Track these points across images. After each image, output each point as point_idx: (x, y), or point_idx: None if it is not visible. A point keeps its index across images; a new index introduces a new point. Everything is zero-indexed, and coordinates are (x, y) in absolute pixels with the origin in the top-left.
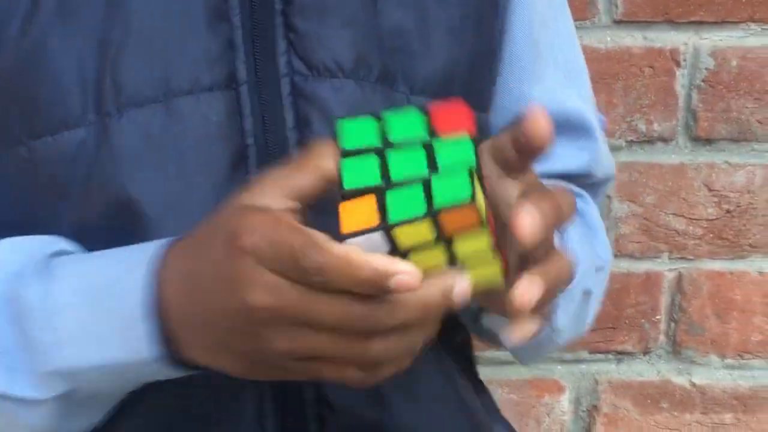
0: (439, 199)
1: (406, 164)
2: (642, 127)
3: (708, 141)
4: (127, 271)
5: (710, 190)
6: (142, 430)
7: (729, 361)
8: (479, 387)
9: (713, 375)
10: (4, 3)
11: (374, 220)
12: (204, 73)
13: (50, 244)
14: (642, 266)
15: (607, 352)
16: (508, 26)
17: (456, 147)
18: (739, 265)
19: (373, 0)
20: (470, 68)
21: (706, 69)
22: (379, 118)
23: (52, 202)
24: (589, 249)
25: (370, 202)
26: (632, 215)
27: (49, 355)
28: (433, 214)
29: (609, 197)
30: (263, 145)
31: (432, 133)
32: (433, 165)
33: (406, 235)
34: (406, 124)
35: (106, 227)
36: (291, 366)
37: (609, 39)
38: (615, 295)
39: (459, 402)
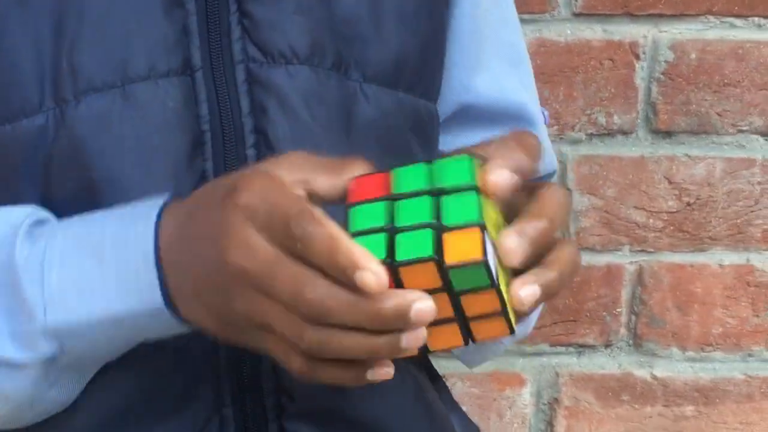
0: (458, 286)
1: (412, 214)
2: (602, 120)
3: (668, 134)
4: (126, 224)
5: (670, 182)
6: (100, 416)
7: (690, 353)
8: (436, 379)
9: (674, 367)
10: None
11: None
12: (161, 59)
13: (33, 213)
14: (603, 259)
15: (568, 345)
16: (455, 13)
17: (462, 201)
18: (699, 258)
19: None
20: (421, 57)
21: (665, 62)
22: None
23: (15, 188)
24: None
25: (378, 241)
26: (593, 208)
27: (40, 313)
28: (436, 260)
29: (569, 190)
30: (219, 132)
31: (435, 184)
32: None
33: (412, 276)
34: (412, 176)
35: (70, 213)
36: (248, 331)
37: (569, 32)
38: (576, 288)
39: (417, 392)
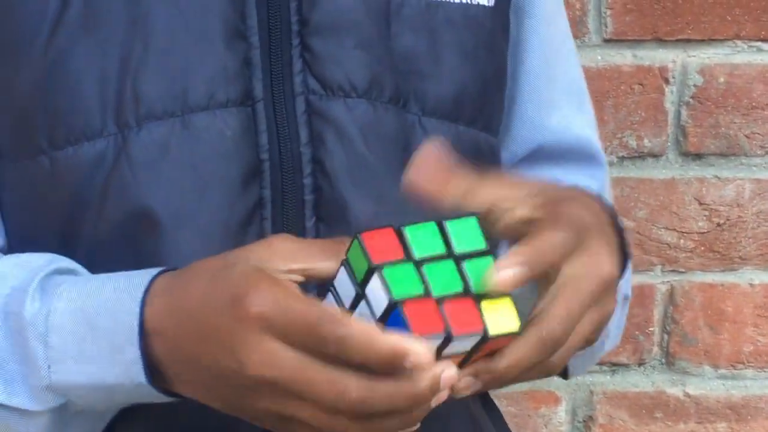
0: (494, 330)
1: (442, 278)
2: (633, 143)
3: (697, 156)
4: (119, 294)
5: (700, 203)
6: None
7: (722, 371)
8: (490, 406)
9: (707, 385)
10: (34, 15)
11: (439, 327)
12: (220, 90)
13: (53, 262)
14: (635, 279)
15: (602, 363)
16: (523, 56)
17: (481, 266)
18: (730, 277)
19: (386, 23)
20: (481, 92)
21: (694, 86)
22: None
23: (70, 213)
24: None
25: (431, 308)
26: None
27: (44, 370)
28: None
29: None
30: (277, 161)
31: (451, 249)
32: (466, 282)
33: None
34: (425, 236)
35: (122, 239)
36: (269, 421)
37: (599, 57)
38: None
39: (470, 421)
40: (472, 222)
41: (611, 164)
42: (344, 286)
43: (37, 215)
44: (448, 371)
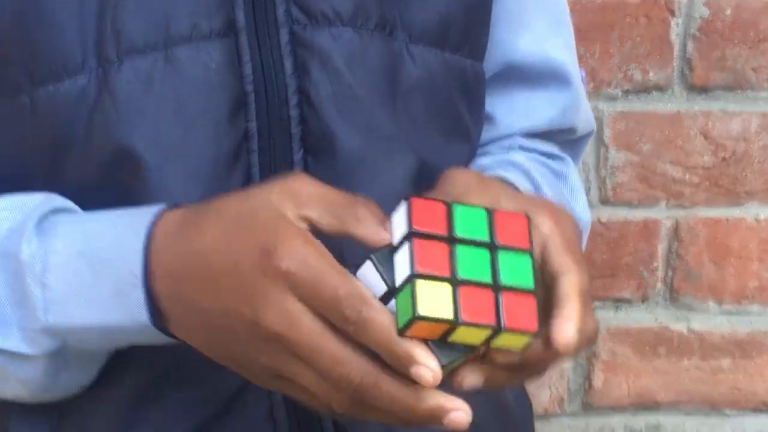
0: (508, 323)
1: (473, 265)
2: (638, 76)
3: (703, 89)
4: (121, 236)
5: (706, 138)
6: (143, 369)
7: (726, 307)
8: None
9: (711, 321)
10: None
11: (448, 312)
12: (203, 21)
13: (47, 201)
14: (639, 214)
15: (606, 299)
16: None
17: (517, 262)
18: (735, 212)
19: None
20: (466, 16)
21: (700, 18)
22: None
23: (54, 153)
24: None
25: (445, 292)
26: (629, 164)
27: (40, 312)
28: (497, 331)
29: (606, 146)
30: (263, 93)
31: (493, 238)
32: (495, 274)
33: (463, 333)
34: (471, 219)
35: (107, 178)
36: (265, 377)
37: None
38: (613, 244)
39: None
40: (521, 219)
41: (616, 98)
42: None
43: (20, 155)
44: (460, 413)
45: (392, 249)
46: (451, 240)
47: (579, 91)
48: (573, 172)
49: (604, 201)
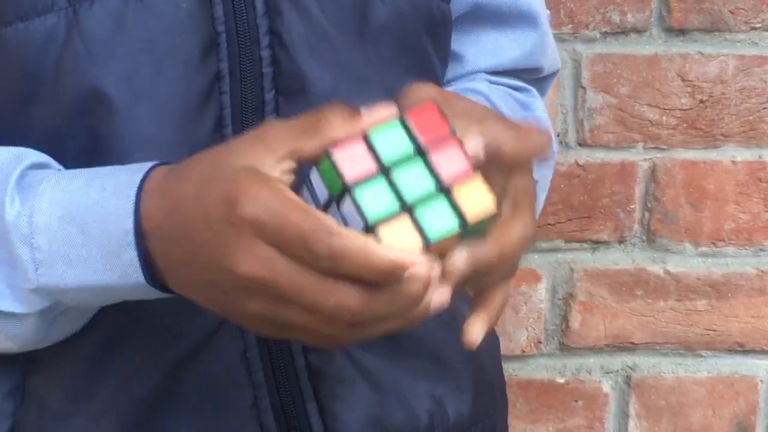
0: (470, 215)
1: (414, 182)
2: (616, 18)
3: (681, 31)
4: (108, 195)
5: (684, 80)
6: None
7: (703, 249)
8: None
9: (687, 263)
10: None
11: (416, 239)
12: None
13: (24, 156)
14: (617, 156)
15: (583, 241)
16: None
17: (449, 157)
18: (712, 155)
19: None
20: None
21: None
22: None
23: (23, 93)
24: None
25: (405, 224)
26: (607, 106)
27: (31, 273)
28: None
29: (584, 88)
30: (234, 34)
31: (417, 143)
32: (439, 179)
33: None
34: (391, 138)
35: (77, 119)
36: (263, 326)
37: None
38: (590, 185)
39: None
40: (430, 107)
41: (594, 40)
42: (318, 183)
43: None
44: (435, 267)
45: (333, 200)
46: (385, 171)
47: (546, 31)
48: (539, 103)
49: (582, 143)
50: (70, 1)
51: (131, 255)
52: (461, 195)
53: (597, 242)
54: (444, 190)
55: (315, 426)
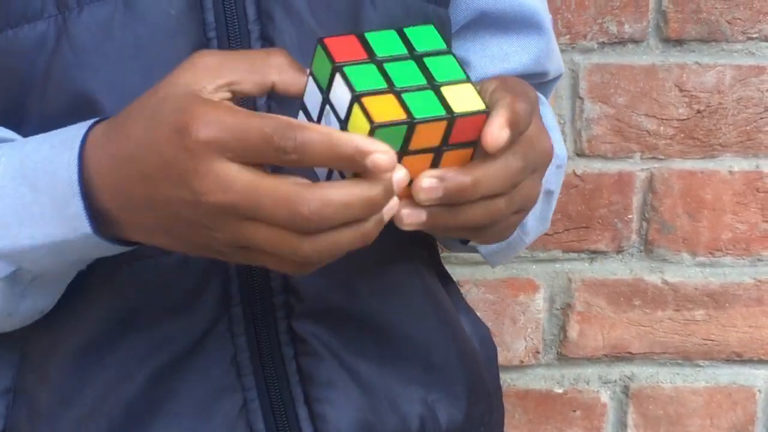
0: (458, 108)
1: (405, 74)
2: (613, 28)
3: (678, 42)
4: (56, 150)
5: (681, 90)
6: (105, 321)
7: (700, 258)
8: (446, 281)
9: (685, 273)
10: None
11: (401, 114)
12: None
13: None
14: (614, 166)
15: (581, 251)
16: None
17: (442, 62)
18: (709, 165)
19: None
20: None
21: None
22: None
23: (12, 99)
24: None
25: (391, 100)
26: (604, 116)
27: None
28: (452, 118)
29: (581, 98)
30: (225, 40)
31: (413, 50)
32: (429, 76)
33: (421, 134)
34: (387, 41)
35: (65, 125)
36: (228, 252)
37: None
38: (588, 195)
39: (425, 292)
40: (430, 29)
41: (591, 50)
42: (312, 97)
43: None
44: (399, 173)
45: (324, 97)
46: (376, 61)
47: (550, 36)
48: (548, 109)
49: (580, 153)
50: (59, 8)
51: (77, 205)
52: (451, 92)
53: (595, 252)
54: (434, 87)
55: (305, 430)
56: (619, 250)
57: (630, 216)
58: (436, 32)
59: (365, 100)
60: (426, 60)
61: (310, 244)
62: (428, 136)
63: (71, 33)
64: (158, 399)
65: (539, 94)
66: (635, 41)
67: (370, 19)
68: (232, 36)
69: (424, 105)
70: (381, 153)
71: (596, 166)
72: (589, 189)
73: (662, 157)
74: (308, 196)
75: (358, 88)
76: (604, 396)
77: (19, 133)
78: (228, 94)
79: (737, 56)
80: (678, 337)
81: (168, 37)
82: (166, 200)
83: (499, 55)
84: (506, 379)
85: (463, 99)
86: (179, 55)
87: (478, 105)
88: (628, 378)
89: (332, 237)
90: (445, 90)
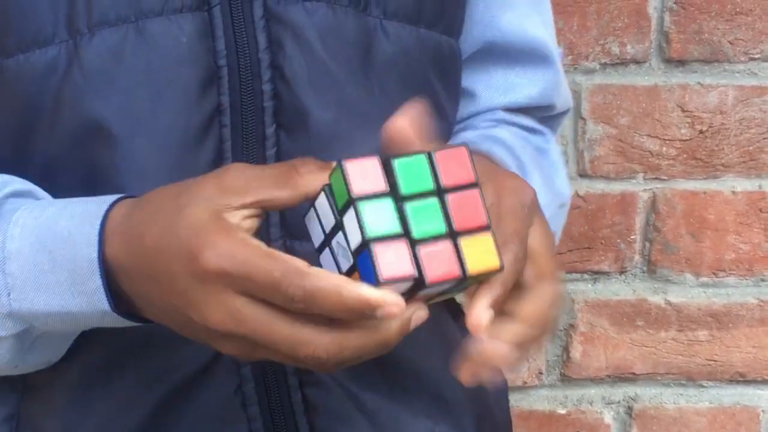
0: (472, 266)
1: (425, 218)
2: (615, 49)
3: (680, 62)
4: (75, 223)
5: (683, 111)
6: (109, 340)
7: (703, 279)
8: (456, 312)
9: (688, 293)
10: None
11: (410, 270)
12: None
13: (7, 184)
14: (617, 187)
15: (584, 272)
16: None
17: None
18: (712, 185)
19: None
20: None
21: None
22: (386, 162)
23: (23, 124)
24: (551, 190)
25: (403, 250)
26: (607, 137)
27: (4, 297)
28: (464, 278)
29: (584, 119)
30: (235, 68)
31: (438, 183)
32: (449, 221)
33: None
34: (414, 170)
35: (76, 151)
36: (243, 356)
37: None
38: (591, 216)
39: (433, 324)
40: (461, 151)
41: (593, 71)
42: (324, 209)
43: None
44: (419, 313)
45: (337, 220)
46: (397, 197)
47: (558, 69)
48: (554, 147)
49: (582, 174)
50: (70, 34)
51: (96, 283)
52: (468, 245)
53: (598, 273)
54: (453, 235)
55: None
56: (622, 271)
57: (633, 236)
58: (469, 158)
59: (376, 249)
60: (451, 196)
61: (328, 370)
62: (439, 284)
63: (82, 58)
64: (163, 428)
65: (545, 131)
66: (637, 62)
67: (382, 49)
68: (242, 64)
69: (438, 262)
70: (391, 306)
71: (599, 186)
72: (591, 210)
73: (665, 177)
74: (325, 341)
75: (369, 234)
76: (608, 417)
77: (27, 159)
78: (253, 211)
79: (739, 77)
80: (681, 357)
81: (179, 64)
82: (175, 310)
83: (504, 87)
84: (510, 399)
85: (479, 254)
86: (190, 81)
87: (493, 262)
88: (632, 398)
89: (348, 363)
90: (463, 242)
